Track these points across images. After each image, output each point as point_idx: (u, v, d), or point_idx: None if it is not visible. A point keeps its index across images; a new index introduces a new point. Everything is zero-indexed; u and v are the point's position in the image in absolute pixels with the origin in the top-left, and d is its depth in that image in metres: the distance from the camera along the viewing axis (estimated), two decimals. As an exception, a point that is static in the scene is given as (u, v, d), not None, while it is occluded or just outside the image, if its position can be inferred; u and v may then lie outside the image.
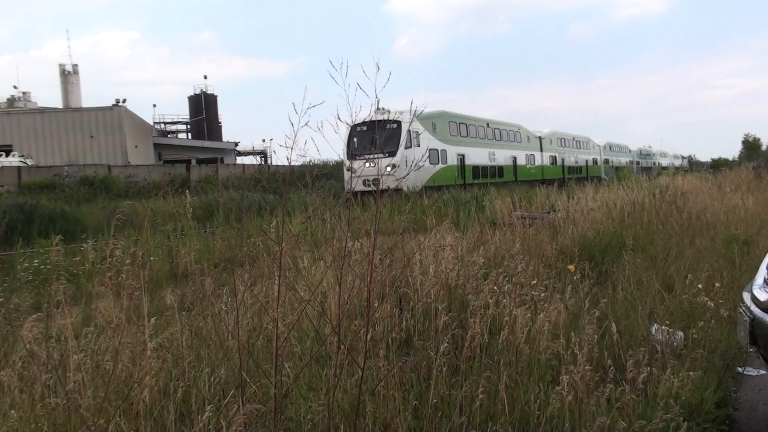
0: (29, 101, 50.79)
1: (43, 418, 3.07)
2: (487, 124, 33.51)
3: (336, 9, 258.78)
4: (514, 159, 35.43)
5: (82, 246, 9.30)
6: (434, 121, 27.44)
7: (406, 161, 24.03)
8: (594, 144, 50.29)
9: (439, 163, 27.38)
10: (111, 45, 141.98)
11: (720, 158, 65.94)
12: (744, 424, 3.96)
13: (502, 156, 33.86)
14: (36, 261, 8.65)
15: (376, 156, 23.55)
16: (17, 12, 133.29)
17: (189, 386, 3.37)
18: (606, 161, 51.97)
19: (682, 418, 3.25)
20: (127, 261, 5.06)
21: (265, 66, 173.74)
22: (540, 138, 39.94)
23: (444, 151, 27.84)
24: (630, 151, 60.89)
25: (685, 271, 6.10)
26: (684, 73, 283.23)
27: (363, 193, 19.15)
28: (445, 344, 3.62)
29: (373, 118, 24.61)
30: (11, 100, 50.10)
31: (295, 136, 2.90)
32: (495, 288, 4.61)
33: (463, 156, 29.67)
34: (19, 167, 30.43)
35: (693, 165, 76.18)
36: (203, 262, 7.91)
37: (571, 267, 5.73)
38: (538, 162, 39.15)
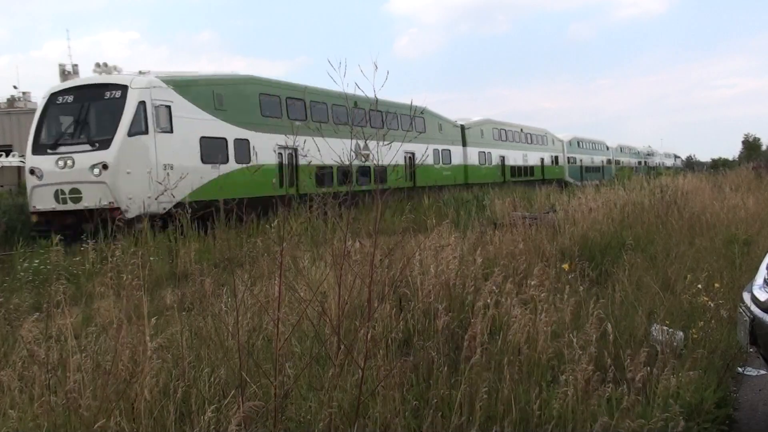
0: (29, 101, 50.61)
1: (43, 417, 3.07)
2: (355, 103, 17.55)
3: (336, 9, 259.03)
4: (411, 156, 23.60)
5: (82, 246, 9.31)
6: (219, 90, 16.17)
7: (133, 158, 13.67)
8: (554, 139, 41.31)
9: (230, 161, 16.22)
10: (111, 45, 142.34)
11: (720, 158, 65.87)
12: (744, 424, 3.96)
13: (384, 151, 18.38)
14: (36, 261, 8.66)
15: (74, 148, 13.72)
16: (17, 12, 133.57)
17: (189, 386, 3.37)
18: (571, 160, 43.63)
19: (681, 418, 3.25)
20: (132, 261, 5.06)
21: (265, 66, 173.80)
22: (463, 128, 29.69)
23: (245, 141, 16.68)
24: (607, 148, 53.04)
25: (685, 271, 6.10)
26: (684, 73, 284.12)
27: (62, 215, 12.79)
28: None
29: (86, 82, 15.15)
30: (11, 100, 50.05)
31: (294, 137, 2.91)
32: (494, 288, 4.61)
33: (294, 151, 17.82)
34: (19, 167, 30.40)
35: (692, 165, 74.98)
36: (203, 262, 7.93)
37: (566, 266, 5.73)
38: (458, 160, 28.70)
